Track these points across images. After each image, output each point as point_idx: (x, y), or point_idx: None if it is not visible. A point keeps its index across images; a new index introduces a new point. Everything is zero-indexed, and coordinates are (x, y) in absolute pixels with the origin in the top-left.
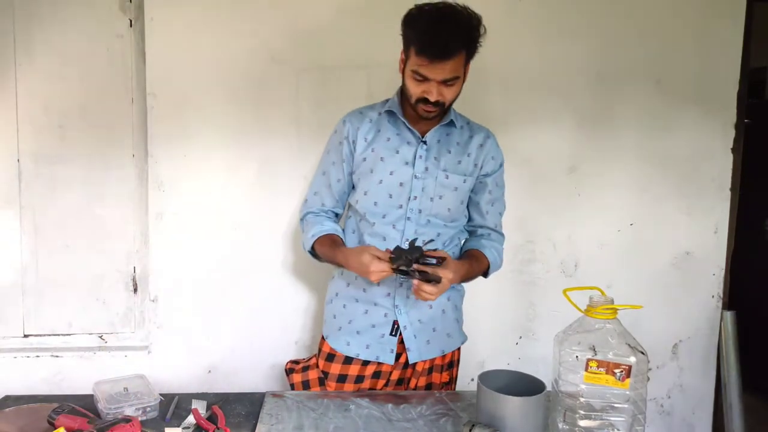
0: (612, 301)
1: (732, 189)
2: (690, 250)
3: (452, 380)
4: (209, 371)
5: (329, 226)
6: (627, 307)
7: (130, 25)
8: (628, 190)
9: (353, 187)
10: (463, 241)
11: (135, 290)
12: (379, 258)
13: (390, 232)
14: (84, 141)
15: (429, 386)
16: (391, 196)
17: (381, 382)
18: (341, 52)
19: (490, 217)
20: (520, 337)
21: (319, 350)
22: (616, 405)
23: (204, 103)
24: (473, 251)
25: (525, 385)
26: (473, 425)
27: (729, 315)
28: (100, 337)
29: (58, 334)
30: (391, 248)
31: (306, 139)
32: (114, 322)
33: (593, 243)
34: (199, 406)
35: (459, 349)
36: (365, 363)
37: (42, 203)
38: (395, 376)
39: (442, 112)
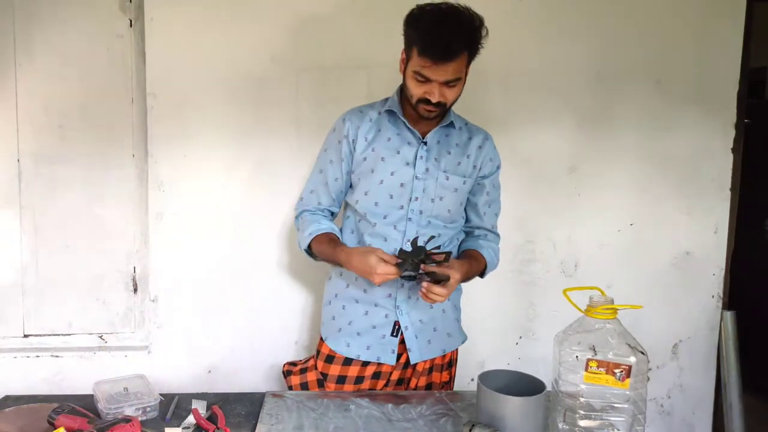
0: (612, 301)
1: (732, 189)
2: (690, 250)
3: (451, 379)
4: (209, 371)
5: (326, 225)
6: (627, 307)
7: (130, 25)
8: (628, 190)
9: (351, 187)
10: (460, 242)
11: (135, 290)
12: (385, 261)
13: (391, 233)
14: (84, 141)
15: (429, 386)
16: (392, 197)
17: (381, 383)
18: (341, 52)
19: (487, 218)
20: (520, 337)
21: (318, 351)
22: (616, 405)
23: (204, 103)
24: (471, 251)
25: (525, 385)
26: (473, 425)
27: (729, 315)
28: (100, 337)
29: (58, 334)
30: (392, 248)
31: (306, 139)
32: (114, 322)
33: (593, 243)
34: (199, 406)
35: (457, 348)
36: (365, 364)
37: (42, 203)
38: (395, 376)
39: (442, 112)
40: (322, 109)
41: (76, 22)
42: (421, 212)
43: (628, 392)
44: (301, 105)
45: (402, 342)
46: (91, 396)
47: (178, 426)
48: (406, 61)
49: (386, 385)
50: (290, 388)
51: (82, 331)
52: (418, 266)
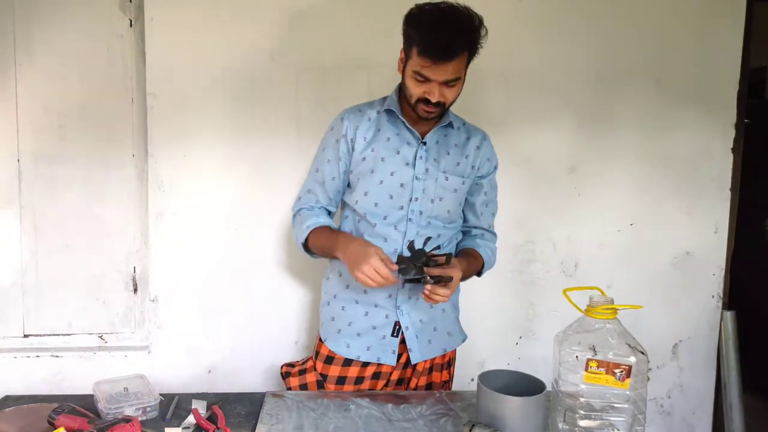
0: (612, 301)
1: (732, 189)
2: (690, 250)
3: (450, 379)
4: (209, 371)
5: (325, 220)
6: (627, 307)
7: (130, 25)
8: (628, 190)
9: (349, 186)
10: (458, 241)
11: (135, 290)
12: (383, 261)
13: (391, 233)
14: (84, 141)
15: (429, 386)
16: (391, 197)
17: (381, 383)
18: (341, 52)
19: (484, 218)
20: (520, 337)
21: (317, 352)
22: (616, 405)
23: (204, 103)
24: (469, 250)
25: (525, 385)
26: (473, 425)
27: (729, 315)
28: (100, 337)
29: (58, 334)
30: (392, 249)
31: (306, 139)
32: (114, 322)
33: (593, 243)
34: (199, 406)
35: (455, 348)
36: (365, 364)
37: (42, 203)
38: (395, 376)
39: (441, 112)
40: (322, 109)
41: (76, 22)
42: (421, 213)
43: (628, 392)
44: (301, 105)
45: (402, 342)
46: (91, 396)
47: (178, 426)
48: (405, 61)
49: (386, 385)
50: (289, 389)
51: (82, 331)
52: (422, 270)
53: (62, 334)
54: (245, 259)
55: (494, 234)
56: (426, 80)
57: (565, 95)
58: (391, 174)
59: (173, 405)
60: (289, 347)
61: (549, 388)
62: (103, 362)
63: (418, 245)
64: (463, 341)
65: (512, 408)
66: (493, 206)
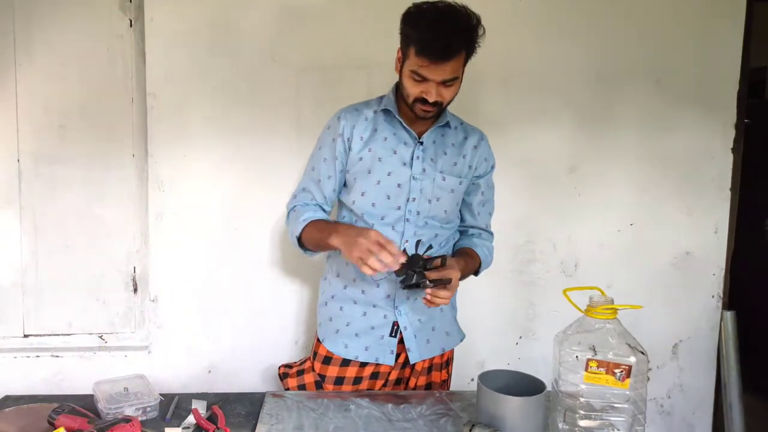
0: (612, 301)
1: (732, 189)
2: (690, 250)
3: (449, 378)
4: (209, 371)
5: (322, 215)
6: (627, 307)
7: (130, 25)
8: (628, 190)
9: (345, 186)
10: (455, 241)
11: (135, 290)
12: (382, 245)
13: (389, 234)
14: (84, 141)
15: (429, 386)
16: (389, 198)
17: (379, 383)
18: (341, 52)
19: (481, 217)
20: (520, 337)
21: (315, 353)
22: (616, 405)
23: (204, 103)
24: (466, 249)
25: (525, 385)
26: (473, 425)
27: (729, 315)
28: (100, 337)
29: (58, 334)
30: None
31: (306, 139)
32: (114, 322)
33: (593, 243)
34: (199, 406)
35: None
36: (363, 364)
37: (42, 203)
38: (393, 376)
39: (438, 112)
40: (322, 109)
41: (76, 22)
42: (418, 213)
43: (628, 392)
44: (301, 105)
45: (400, 342)
46: (91, 396)
47: (178, 426)
48: (402, 60)
49: (384, 385)
50: (287, 390)
51: (82, 331)
52: (422, 275)
53: (62, 334)
54: (245, 259)
55: (491, 233)
56: (423, 80)
57: (565, 95)
58: (388, 174)
59: (173, 405)
60: (289, 347)
61: (549, 388)
62: (103, 362)
63: (410, 250)
64: (461, 340)
65: (512, 408)
66: (490, 206)
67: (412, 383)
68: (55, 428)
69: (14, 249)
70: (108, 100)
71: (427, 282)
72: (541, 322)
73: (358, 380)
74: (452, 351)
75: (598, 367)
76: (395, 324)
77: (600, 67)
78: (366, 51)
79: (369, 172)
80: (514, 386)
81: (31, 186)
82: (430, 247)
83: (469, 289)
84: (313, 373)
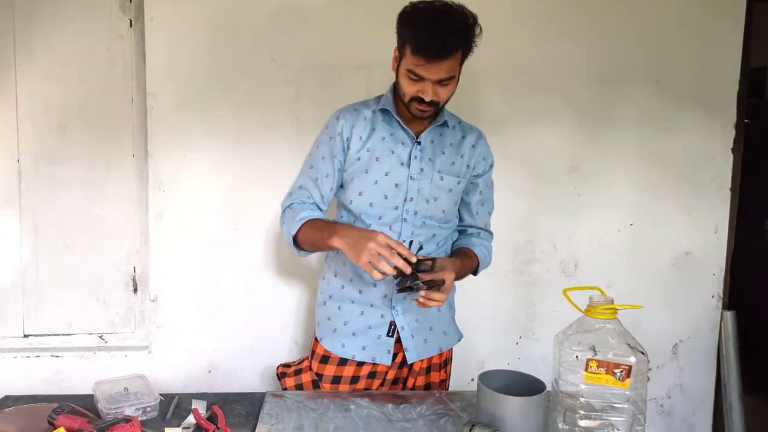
0: (612, 301)
1: (732, 189)
2: (690, 250)
3: (447, 378)
4: (209, 371)
5: (319, 214)
6: (627, 307)
7: (130, 25)
8: (628, 190)
9: (342, 186)
10: (453, 241)
11: (135, 290)
12: (393, 248)
13: (386, 234)
14: (84, 141)
15: (428, 386)
16: (386, 197)
17: (377, 383)
18: (341, 52)
19: (479, 217)
20: (520, 337)
21: (313, 352)
22: (616, 405)
23: (204, 103)
24: (463, 248)
25: (525, 385)
26: (473, 425)
27: (729, 315)
28: (100, 337)
29: (58, 334)
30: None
31: (306, 139)
32: (114, 322)
33: (593, 243)
34: (199, 406)
35: (451, 348)
36: (360, 364)
37: (42, 203)
38: (391, 375)
39: (435, 111)
40: (322, 109)
41: (76, 22)
42: (415, 213)
43: (628, 392)
44: (301, 105)
45: (398, 341)
46: (91, 396)
47: (178, 426)
48: (399, 59)
49: (382, 384)
50: (285, 390)
51: (82, 331)
52: (416, 277)
53: (62, 334)
54: (245, 259)
55: (490, 233)
56: (420, 79)
57: (565, 95)
58: (386, 174)
59: (173, 405)
60: (289, 347)
61: (549, 388)
62: (103, 362)
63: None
64: (459, 340)
65: (512, 408)
66: (489, 205)
67: (410, 383)
68: (55, 428)
69: (14, 249)
70: (108, 100)
71: (420, 284)
72: (541, 322)
73: (355, 379)
74: (451, 351)
75: (598, 367)
76: (392, 324)
77: (600, 67)
78: (366, 51)
79: (366, 172)
80: (514, 386)
81: (31, 186)
82: (421, 247)
83: (468, 289)
84: (311, 372)
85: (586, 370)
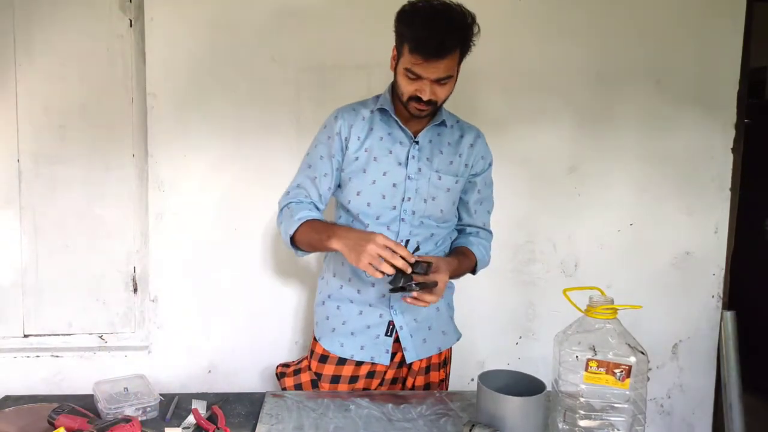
0: (612, 301)
1: (732, 189)
2: (690, 250)
3: (446, 377)
4: (209, 371)
5: (317, 214)
6: (627, 307)
7: (130, 25)
8: (628, 190)
9: (340, 186)
10: (452, 240)
11: (135, 290)
12: (393, 250)
13: (384, 233)
14: (84, 141)
15: (427, 386)
16: (384, 197)
17: (375, 382)
18: (341, 52)
19: (478, 216)
20: (520, 337)
21: (312, 352)
22: (616, 405)
23: (204, 103)
24: (461, 248)
25: (525, 385)
26: (473, 425)
27: (729, 315)
28: (100, 337)
29: (58, 334)
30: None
31: (306, 139)
32: (114, 322)
33: (593, 243)
34: (199, 406)
35: (451, 347)
36: (359, 363)
37: (42, 203)
38: (390, 375)
39: (433, 111)
40: (322, 109)
41: (76, 22)
42: (413, 212)
43: (628, 392)
44: (301, 105)
45: (396, 341)
46: (91, 396)
47: (178, 426)
48: (397, 58)
49: (381, 384)
50: (284, 390)
51: (82, 331)
52: (410, 277)
53: (62, 334)
54: (245, 259)
55: (490, 232)
56: (418, 78)
57: (565, 95)
58: (384, 174)
59: (173, 405)
60: (289, 347)
61: (549, 388)
62: (103, 362)
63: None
64: (458, 340)
65: (512, 408)
66: (488, 204)
67: (409, 383)
68: (55, 428)
69: (14, 249)
70: (108, 100)
71: (413, 285)
72: (541, 322)
73: (354, 379)
74: (450, 350)
75: (598, 367)
76: (391, 323)
77: (600, 67)
78: (366, 51)
79: (364, 172)
80: (514, 386)
81: (31, 186)
82: (418, 248)
83: (468, 288)
84: (310, 372)
85: (586, 370)
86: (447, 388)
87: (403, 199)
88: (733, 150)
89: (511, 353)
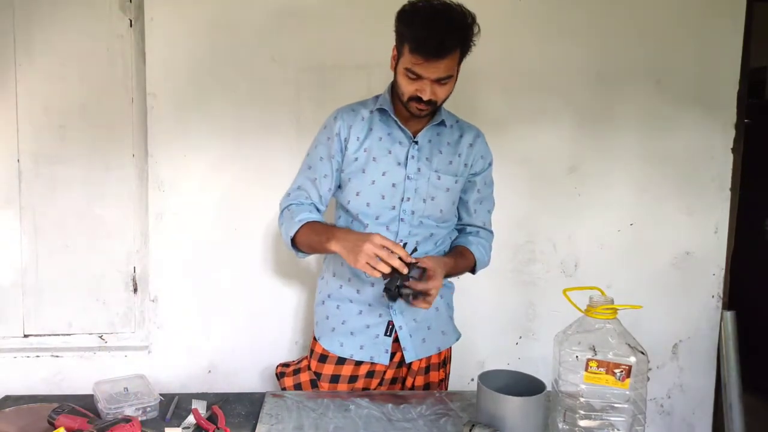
0: (612, 301)
1: (732, 189)
2: (690, 250)
3: (446, 377)
4: (209, 371)
5: (317, 216)
6: (627, 307)
7: (130, 25)
8: (629, 190)
9: (340, 186)
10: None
11: (135, 290)
12: (390, 249)
13: (384, 234)
14: (84, 141)
15: (427, 386)
16: (383, 197)
17: (375, 382)
18: (341, 52)
19: (477, 215)
20: (520, 337)
21: (311, 351)
22: (616, 405)
23: (204, 103)
24: (459, 247)
25: (525, 385)
26: (473, 425)
27: (729, 315)
28: (100, 337)
29: (58, 334)
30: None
31: (306, 139)
32: (114, 322)
33: (593, 243)
34: (199, 406)
35: (450, 346)
36: (358, 363)
37: (42, 203)
38: (389, 375)
39: (433, 110)
40: (322, 109)
41: (76, 22)
42: (413, 212)
43: (628, 392)
44: (301, 105)
45: (396, 341)
46: (91, 396)
47: (178, 426)
48: (397, 58)
49: (380, 384)
50: (283, 389)
51: (82, 331)
52: (408, 278)
53: (62, 334)
54: (245, 259)
55: (490, 231)
56: (418, 78)
57: (565, 95)
58: (383, 174)
59: (173, 405)
60: (289, 347)
61: (549, 388)
62: (103, 362)
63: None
64: (457, 339)
65: (512, 408)
66: (488, 203)
67: (408, 383)
68: (55, 428)
69: (14, 249)
70: (108, 100)
71: (405, 291)
72: (541, 322)
73: (353, 378)
74: (449, 350)
75: (598, 367)
76: (390, 323)
77: (600, 67)
78: (366, 51)
79: (364, 172)
80: (514, 386)
81: (31, 186)
82: (416, 249)
83: (468, 288)
84: (310, 371)
85: (586, 370)
86: (447, 388)
87: (402, 199)
88: (733, 150)
89: (511, 353)
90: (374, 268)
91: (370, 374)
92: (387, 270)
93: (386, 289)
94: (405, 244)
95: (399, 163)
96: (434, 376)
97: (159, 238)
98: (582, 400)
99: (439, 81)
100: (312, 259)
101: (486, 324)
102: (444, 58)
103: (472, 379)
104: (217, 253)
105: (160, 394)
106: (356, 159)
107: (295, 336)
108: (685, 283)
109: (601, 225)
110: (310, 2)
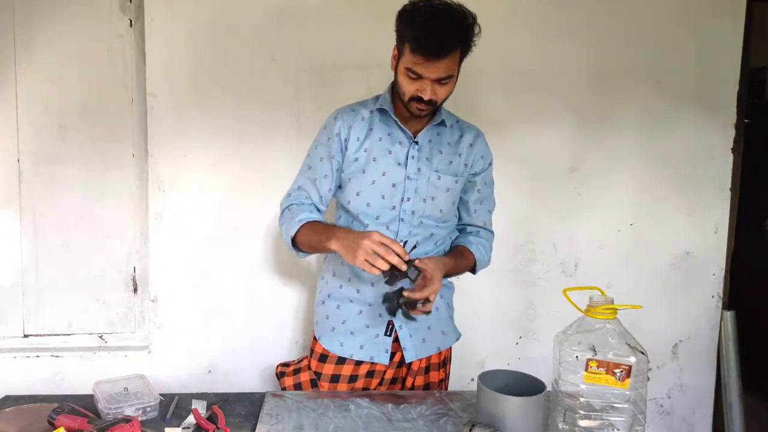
0: (612, 301)
1: (732, 189)
2: (690, 250)
3: (446, 377)
4: (209, 371)
5: (318, 216)
6: (627, 307)
7: (130, 25)
8: (629, 189)
9: (340, 186)
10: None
11: (135, 290)
12: (388, 246)
13: (384, 234)
14: (84, 141)
15: (427, 386)
16: (383, 197)
17: (375, 381)
18: (341, 52)
19: (477, 215)
20: (520, 337)
21: (312, 351)
22: (616, 405)
23: (204, 103)
24: (459, 247)
25: (525, 385)
26: (473, 425)
27: (729, 315)
28: (100, 337)
29: (58, 334)
30: None
31: (306, 139)
32: (114, 322)
33: (593, 243)
34: (199, 406)
35: (450, 346)
36: (358, 363)
37: (42, 203)
38: (389, 375)
39: (433, 110)
40: (322, 109)
41: (76, 22)
42: (413, 212)
43: (628, 392)
44: (301, 105)
45: (396, 341)
46: (91, 396)
47: (178, 426)
48: (398, 58)
49: (380, 383)
50: (283, 389)
51: (82, 331)
52: (406, 275)
53: (62, 334)
54: (245, 259)
55: (491, 231)
56: (418, 77)
57: (565, 95)
58: (383, 174)
59: (173, 405)
60: (289, 347)
61: (549, 388)
62: (103, 362)
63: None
64: (457, 339)
65: (512, 408)
66: (488, 203)
67: (408, 382)
68: (55, 428)
69: (14, 249)
70: (108, 100)
71: (405, 302)
72: (541, 322)
73: (353, 378)
74: (449, 350)
75: (598, 367)
76: (390, 323)
77: (600, 67)
78: (366, 51)
79: (364, 172)
80: (514, 386)
81: (31, 186)
82: (415, 246)
83: (468, 288)
84: (310, 371)
85: (586, 370)
86: (447, 388)
87: (402, 199)
88: (733, 150)
89: (511, 353)
90: (373, 265)
91: (370, 374)
92: (385, 267)
93: (385, 300)
94: (404, 243)
95: (399, 163)
96: (434, 376)
97: (159, 238)
98: (582, 400)
99: (439, 81)
100: (312, 259)
101: (486, 324)
102: (444, 57)
103: (472, 379)
104: (217, 253)
105: (160, 394)
106: (356, 159)
107: (295, 336)
108: (685, 283)
109: (601, 225)
110: (310, 2)
